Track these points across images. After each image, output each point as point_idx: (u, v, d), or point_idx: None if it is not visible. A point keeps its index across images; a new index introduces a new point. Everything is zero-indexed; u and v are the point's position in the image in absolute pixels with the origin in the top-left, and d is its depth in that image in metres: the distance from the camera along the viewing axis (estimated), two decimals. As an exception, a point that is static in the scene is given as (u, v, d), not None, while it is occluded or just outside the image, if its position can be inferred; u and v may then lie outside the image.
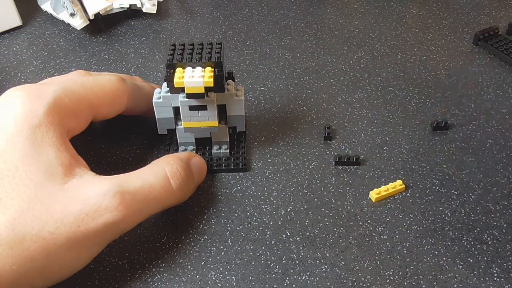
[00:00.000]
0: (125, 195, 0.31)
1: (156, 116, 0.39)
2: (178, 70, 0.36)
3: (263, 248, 0.36)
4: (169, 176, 0.34)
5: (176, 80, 0.35)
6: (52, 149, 0.31)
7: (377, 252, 0.35)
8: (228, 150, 0.41)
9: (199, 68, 0.36)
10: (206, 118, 0.38)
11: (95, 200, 0.30)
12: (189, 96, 0.36)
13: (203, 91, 0.36)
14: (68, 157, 0.32)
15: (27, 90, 0.33)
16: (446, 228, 0.37)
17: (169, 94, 0.38)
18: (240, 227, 0.37)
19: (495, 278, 0.34)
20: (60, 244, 0.29)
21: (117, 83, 0.38)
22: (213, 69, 0.36)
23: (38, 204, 0.29)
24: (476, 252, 0.35)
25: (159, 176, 0.34)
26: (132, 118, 0.44)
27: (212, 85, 0.36)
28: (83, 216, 0.30)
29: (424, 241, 0.36)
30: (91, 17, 0.55)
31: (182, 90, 0.36)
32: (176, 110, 0.39)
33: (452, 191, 0.39)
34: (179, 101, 0.37)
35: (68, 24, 0.56)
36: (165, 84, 0.38)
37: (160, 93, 0.38)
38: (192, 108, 0.37)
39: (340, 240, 0.36)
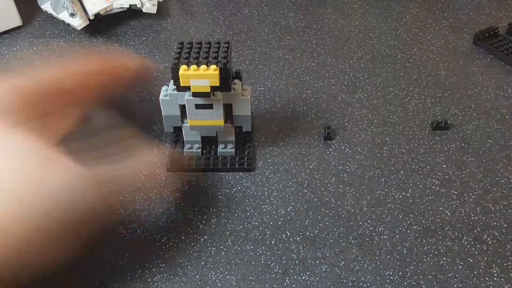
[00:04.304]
0: (104, 183, 0.32)
1: (162, 114, 0.39)
2: (183, 67, 0.36)
3: (263, 248, 0.36)
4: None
5: (182, 79, 0.35)
6: (21, 133, 0.32)
7: (377, 252, 0.35)
8: (233, 150, 0.41)
9: (203, 66, 0.36)
10: (212, 117, 0.38)
11: (78, 187, 0.31)
12: (195, 94, 0.36)
13: (209, 90, 0.36)
14: (48, 143, 0.32)
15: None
16: (446, 228, 0.37)
17: (175, 92, 0.38)
18: (240, 227, 0.37)
19: (495, 278, 0.34)
20: (57, 229, 0.29)
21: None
22: (218, 68, 0.36)
23: (41, 185, 0.30)
24: (476, 252, 0.35)
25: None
26: (133, 118, 0.44)
27: (218, 84, 0.36)
28: (73, 204, 0.30)
29: (424, 241, 0.36)
30: (91, 17, 0.55)
31: (188, 88, 0.36)
32: (183, 108, 0.39)
33: (452, 191, 0.39)
34: (185, 99, 0.37)
35: (68, 24, 0.56)
36: (171, 81, 0.38)
37: (167, 91, 0.38)
38: (198, 106, 0.38)
39: (340, 240, 0.36)
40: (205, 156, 0.41)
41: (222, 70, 0.36)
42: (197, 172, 0.40)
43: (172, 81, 0.38)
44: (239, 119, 0.40)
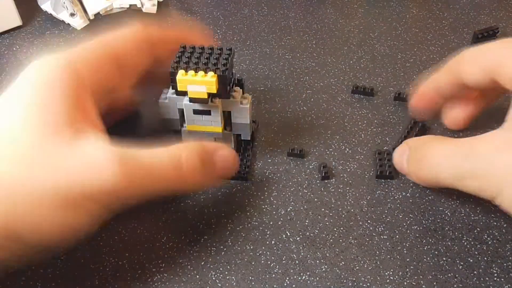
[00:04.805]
0: (130, 165, 0.31)
1: (162, 117, 0.39)
2: (181, 72, 0.35)
3: (263, 248, 0.36)
4: (183, 160, 0.33)
5: (179, 84, 0.35)
6: (63, 107, 0.31)
7: (377, 252, 0.35)
8: None
9: (201, 72, 0.35)
10: (210, 123, 0.38)
11: (97, 163, 0.30)
12: (192, 100, 0.36)
13: (206, 97, 0.36)
14: (81, 117, 0.31)
15: (41, 58, 0.33)
16: (446, 228, 0.37)
17: (175, 95, 0.37)
18: (240, 227, 0.37)
19: (495, 278, 0.34)
20: (55, 201, 0.29)
21: (137, 27, 0.37)
22: (215, 75, 0.35)
23: (36, 160, 0.29)
24: (476, 252, 0.35)
25: (172, 157, 0.33)
26: (133, 118, 0.44)
27: (215, 91, 0.35)
28: (83, 176, 0.29)
29: (424, 241, 0.36)
30: (91, 17, 0.55)
31: (186, 93, 0.36)
32: (182, 112, 0.39)
33: (452, 191, 0.39)
34: (183, 104, 0.37)
35: (68, 24, 0.56)
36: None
37: (167, 94, 0.38)
38: (196, 112, 0.37)
39: (340, 240, 0.36)
40: None
41: (220, 77, 0.35)
42: None
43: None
44: (237, 127, 0.40)
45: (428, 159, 0.36)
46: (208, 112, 0.37)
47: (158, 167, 0.32)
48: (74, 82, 0.32)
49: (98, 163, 0.30)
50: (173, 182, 0.34)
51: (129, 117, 0.44)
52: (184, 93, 0.36)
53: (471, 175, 0.33)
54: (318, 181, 0.40)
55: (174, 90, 0.37)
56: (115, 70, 0.35)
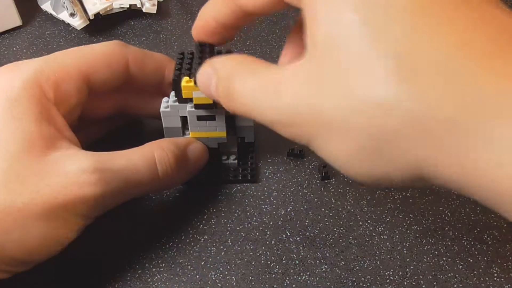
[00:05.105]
0: (106, 172, 0.31)
1: (163, 126, 0.38)
2: (185, 78, 0.35)
3: (263, 248, 0.36)
4: (157, 161, 0.33)
5: (184, 91, 0.35)
6: (32, 121, 0.31)
7: (377, 252, 0.35)
8: (236, 161, 0.40)
9: None
10: (215, 129, 0.38)
11: (74, 173, 0.30)
12: (197, 106, 0.36)
13: (212, 102, 0.35)
14: (51, 130, 0.31)
15: (4, 67, 0.33)
16: (446, 228, 0.37)
17: (177, 103, 0.37)
18: (240, 227, 0.37)
19: (495, 278, 0.34)
20: (36, 215, 0.29)
21: (112, 45, 0.37)
22: None
23: (12, 176, 0.29)
24: (476, 252, 0.35)
25: (146, 160, 0.33)
26: (132, 121, 0.44)
27: None
28: (60, 188, 0.29)
29: (424, 241, 0.36)
30: (91, 17, 0.55)
31: (190, 99, 0.36)
32: (184, 119, 0.38)
33: (452, 191, 0.39)
34: (187, 111, 0.37)
35: (68, 24, 0.56)
36: (173, 93, 0.37)
37: (167, 102, 0.38)
38: (200, 118, 0.37)
39: (340, 240, 0.36)
40: (207, 168, 0.40)
41: None
42: (198, 186, 0.40)
43: (173, 92, 0.37)
44: (242, 129, 0.39)
45: (238, 95, 0.29)
46: (212, 118, 0.37)
47: (133, 172, 0.32)
48: (38, 96, 0.32)
49: (73, 174, 0.30)
50: (148, 185, 0.34)
51: (131, 126, 0.44)
52: (187, 100, 0.36)
53: (280, 119, 0.28)
54: (318, 181, 0.40)
55: (175, 98, 0.37)
56: (79, 84, 0.35)
